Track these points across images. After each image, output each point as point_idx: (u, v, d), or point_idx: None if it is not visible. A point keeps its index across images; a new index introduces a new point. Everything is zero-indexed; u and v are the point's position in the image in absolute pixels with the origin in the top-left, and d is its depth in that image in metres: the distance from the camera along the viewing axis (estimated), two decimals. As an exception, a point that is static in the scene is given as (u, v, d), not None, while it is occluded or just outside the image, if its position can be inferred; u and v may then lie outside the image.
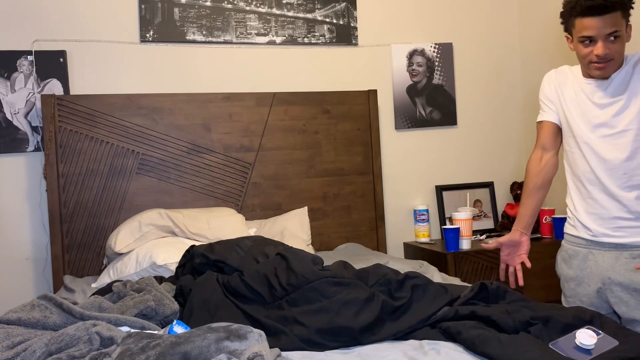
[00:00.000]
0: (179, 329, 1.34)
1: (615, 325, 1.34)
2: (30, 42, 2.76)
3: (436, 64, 3.38)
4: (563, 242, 1.91)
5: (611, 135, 1.71)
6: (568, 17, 1.71)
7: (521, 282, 1.87)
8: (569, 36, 1.75)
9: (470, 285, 1.67)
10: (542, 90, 1.90)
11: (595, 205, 1.76)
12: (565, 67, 1.87)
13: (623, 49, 1.68)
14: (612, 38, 1.63)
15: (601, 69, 1.67)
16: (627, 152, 1.69)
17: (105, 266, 2.65)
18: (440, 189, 3.36)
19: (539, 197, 1.87)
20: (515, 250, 1.89)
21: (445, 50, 3.39)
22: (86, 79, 2.84)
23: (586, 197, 1.78)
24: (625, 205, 1.70)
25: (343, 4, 3.20)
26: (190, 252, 2.01)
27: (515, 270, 1.89)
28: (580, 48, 1.68)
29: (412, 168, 3.35)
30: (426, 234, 3.22)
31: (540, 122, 1.90)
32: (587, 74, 1.78)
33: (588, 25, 1.63)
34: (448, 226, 2.90)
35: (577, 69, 1.83)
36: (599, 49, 1.63)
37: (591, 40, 1.65)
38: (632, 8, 1.68)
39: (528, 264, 1.86)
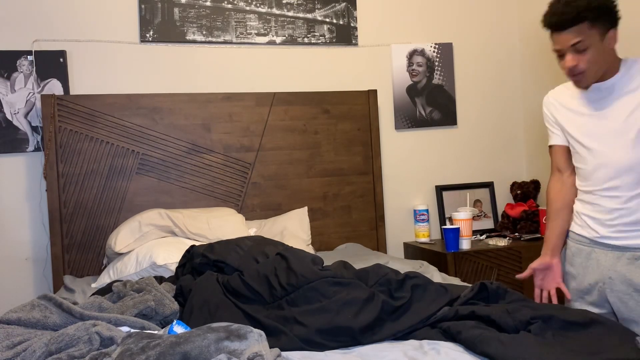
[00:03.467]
0: (179, 329, 1.34)
1: (620, 327, 1.34)
2: (30, 42, 2.76)
3: (436, 64, 3.38)
4: (567, 240, 1.90)
5: (614, 139, 1.70)
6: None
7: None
8: None
9: (470, 285, 1.67)
10: (544, 115, 1.93)
11: (600, 209, 1.76)
12: (561, 86, 1.88)
13: (599, 58, 1.64)
14: (577, 50, 1.62)
15: (575, 82, 1.70)
16: (633, 154, 1.67)
17: (105, 266, 2.65)
18: (440, 189, 3.36)
19: (562, 218, 1.88)
20: (549, 274, 1.88)
21: (445, 50, 3.39)
22: (86, 79, 2.84)
23: (592, 200, 1.78)
24: (629, 209, 1.70)
25: (343, 4, 3.20)
26: (190, 252, 2.01)
27: (549, 295, 1.87)
28: (559, 61, 1.71)
29: (412, 168, 3.35)
30: (426, 234, 3.22)
31: (551, 146, 1.92)
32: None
33: (555, 39, 1.67)
34: (448, 226, 2.90)
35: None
36: (567, 61, 1.65)
37: (561, 54, 1.67)
38: (607, 17, 1.62)
39: (567, 294, 1.83)
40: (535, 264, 1.88)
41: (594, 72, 1.66)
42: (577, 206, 1.86)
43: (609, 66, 1.68)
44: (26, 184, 2.76)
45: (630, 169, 1.68)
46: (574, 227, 1.87)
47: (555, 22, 1.62)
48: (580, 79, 1.67)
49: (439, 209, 3.35)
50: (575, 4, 1.59)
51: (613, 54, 1.68)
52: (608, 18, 1.62)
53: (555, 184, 1.91)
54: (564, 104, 1.84)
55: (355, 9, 3.23)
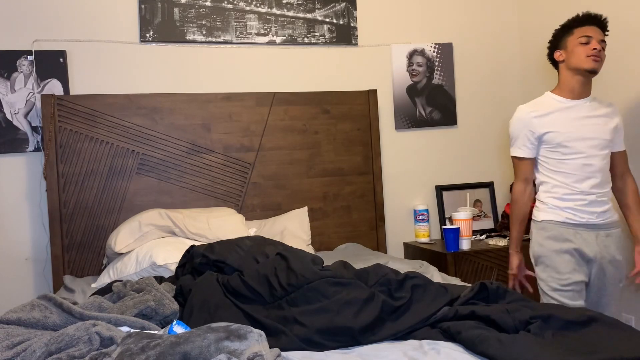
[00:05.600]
0: (179, 329, 1.34)
1: (618, 324, 1.34)
2: (30, 42, 2.76)
3: (436, 64, 3.38)
4: (547, 224, 2.10)
5: (596, 145, 2.06)
6: (568, 30, 2.12)
7: (531, 290, 2.29)
8: (559, 51, 2.13)
9: (470, 285, 1.67)
10: (522, 126, 2.14)
11: (578, 200, 2.07)
12: (537, 101, 2.16)
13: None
14: (601, 46, 2.06)
15: (597, 60, 2.04)
16: (603, 157, 2.08)
17: (105, 266, 2.65)
18: (440, 189, 3.36)
19: (525, 224, 2.24)
20: (522, 267, 2.28)
21: (445, 50, 3.39)
22: (86, 79, 2.84)
23: (570, 194, 2.08)
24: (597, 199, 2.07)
25: (343, 4, 3.20)
26: (190, 252, 2.01)
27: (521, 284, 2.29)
28: (580, 47, 2.08)
29: (412, 168, 3.35)
30: (426, 234, 3.22)
31: (521, 158, 2.16)
32: (567, 91, 2.12)
33: (588, 29, 2.08)
34: (448, 226, 2.90)
35: (548, 97, 2.15)
36: (595, 43, 2.05)
37: (589, 41, 2.06)
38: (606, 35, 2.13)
39: (532, 274, 2.25)
40: (519, 268, 2.26)
41: (601, 67, 2.08)
42: (555, 201, 2.10)
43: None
44: (26, 184, 2.76)
45: (603, 167, 2.08)
46: (555, 216, 2.10)
47: (599, 19, 2.09)
48: (600, 62, 2.05)
49: (439, 209, 3.35)
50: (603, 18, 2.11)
51: None
52: None
53: (523, 194, 2.19)
54: (554, 109, 2.12)
55: (355, 9, 3.23)
